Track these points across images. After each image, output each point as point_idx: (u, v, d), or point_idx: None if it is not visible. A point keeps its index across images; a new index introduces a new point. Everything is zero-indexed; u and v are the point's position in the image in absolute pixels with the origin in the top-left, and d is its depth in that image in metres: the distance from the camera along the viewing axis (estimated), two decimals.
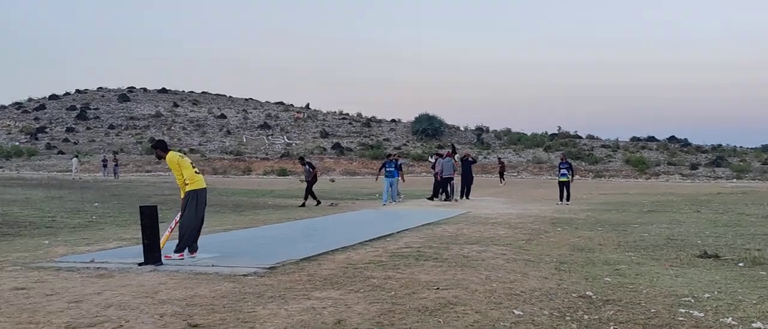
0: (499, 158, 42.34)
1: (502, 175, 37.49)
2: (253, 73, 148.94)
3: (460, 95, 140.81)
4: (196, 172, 7.40)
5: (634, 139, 62.31)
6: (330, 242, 9.12)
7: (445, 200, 20.17)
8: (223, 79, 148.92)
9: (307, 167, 18.06)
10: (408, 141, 62.01)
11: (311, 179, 17.59)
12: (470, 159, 22.22)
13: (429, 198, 20.55)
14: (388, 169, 19.09)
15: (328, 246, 8.63)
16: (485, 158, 54.15)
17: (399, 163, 19.84)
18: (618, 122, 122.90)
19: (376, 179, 20.15)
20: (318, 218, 14.08)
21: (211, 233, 10.45)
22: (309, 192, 17.66)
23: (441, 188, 20.60)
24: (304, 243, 9.10)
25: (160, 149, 7.35)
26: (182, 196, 7.26)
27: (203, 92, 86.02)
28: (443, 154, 21.63)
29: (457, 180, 20.72)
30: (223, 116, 68.78)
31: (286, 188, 21.35)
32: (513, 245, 9.04)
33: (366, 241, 9.36)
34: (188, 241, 7.27)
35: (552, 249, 8.84)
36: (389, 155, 20.65)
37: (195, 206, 7.25)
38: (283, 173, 48.94)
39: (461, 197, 21.14)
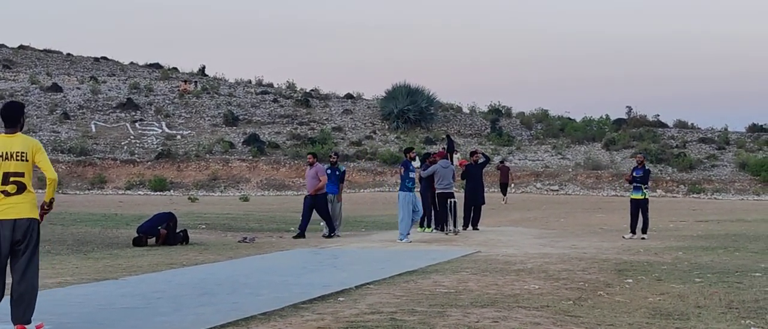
0: (503, 163, 43.20)
1: (505, 188, 38.76)
2: (108, 19, 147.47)
3: (462, 58, 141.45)
4: (4, 192, 7.56)
5: (755, 129, 63.20)
6: (241, 306, 9.03)
7: (439, 230, 20.31)
8: (56, 27, 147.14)
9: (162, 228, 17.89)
10: (374, 130, 62.13)
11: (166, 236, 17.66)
12: (480, 160, 22.33)
13: (422, 227, 20.85)
14: (329, 180, 20.11)
15: (238, 313, 8.56)
16: (504, 160, 54.46)
17: (342, 170, 20.87)
18: (726, 102, 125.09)
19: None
20: (220, 262, 13.95)
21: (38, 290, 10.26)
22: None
23: (434, 213, 20.71)
24: (196, 308, 9.02)
25: None
26: None
27: (21, 47, 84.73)
28: (436, 154, 21.68)
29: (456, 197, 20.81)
30: (56, 88, 67.95)
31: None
32: (552, 309, 9.07)
33: (303, 303, 9.29)
34: None
35: (618, 315, 8.89)
36: (331, 157, 21.37)
37: None
38: (159, 185, 48.48)
39: (464, 226, 21.18)
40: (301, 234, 19.47)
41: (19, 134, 7.65)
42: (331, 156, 21.46)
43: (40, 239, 7.95)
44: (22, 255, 7.56)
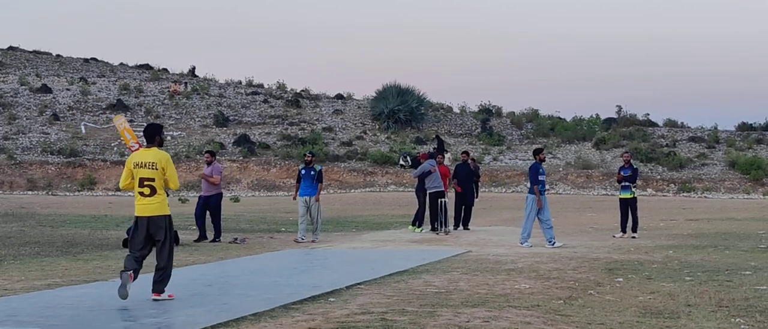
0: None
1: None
2: (98, 19, 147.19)
3: (452, 58, 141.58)
4: (141, 193, 9.78)
5: (744, 127, 63.32)
6: (232, 307, 9.05)
7: (432, 231, 20.31)
8: (46, 28, 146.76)
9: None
10: (365, 131, 62.12)
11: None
12: (470, 162, 22.37)
13: (414, 227, 20.91)
14: (304, 181, 19.23)
15: (229, 313, 8.59)
16: (494, 160, 54.55)
17: (318, 169, 19.62)
18: (716, 101, 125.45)
19: (294, 197, 19.90)
20: (211, 263, 13.95)
21: (28, 292, 10.25)
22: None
23: (422, 212, 20.72)
24: (187, 309, 9.05)
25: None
26: None
27: (11, 49, 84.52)
28: (428, 153, 21.73)
29: (449, 197, 20.83)
30: (45, 89, 67.80)
31: None
32: (543, 309, 9.10)
33: (293, 304, 9.31)
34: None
35: (608, 314, 8.91)
36: (306, 156, 20.17)
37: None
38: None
39: (455, 226, 21.19)
40: (202, 237, 18.62)
41: (154, 148, 9.88)
42: (306, 155, 20.24)
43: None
44: (161, 244, 9.85)
